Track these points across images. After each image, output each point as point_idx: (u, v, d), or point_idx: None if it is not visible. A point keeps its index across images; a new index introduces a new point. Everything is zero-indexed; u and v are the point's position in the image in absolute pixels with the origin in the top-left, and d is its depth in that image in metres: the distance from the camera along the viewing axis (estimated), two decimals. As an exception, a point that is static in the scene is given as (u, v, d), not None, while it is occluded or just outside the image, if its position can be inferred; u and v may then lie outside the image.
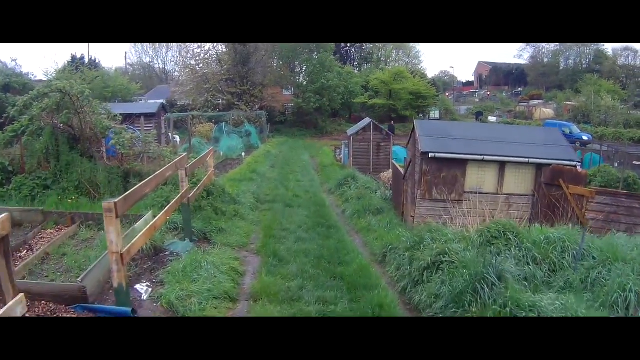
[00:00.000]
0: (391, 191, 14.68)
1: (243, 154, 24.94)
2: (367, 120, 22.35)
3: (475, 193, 9.80)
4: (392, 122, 37.39)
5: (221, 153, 24.76)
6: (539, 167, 9.88)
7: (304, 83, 43.54)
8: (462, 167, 9.69)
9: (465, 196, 9.78)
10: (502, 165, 9.79)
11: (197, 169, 11.73)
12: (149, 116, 24.75)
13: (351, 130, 22.66)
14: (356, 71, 53.63)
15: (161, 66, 72.09)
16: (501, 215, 8.85)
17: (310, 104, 40.51)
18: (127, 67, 67.45)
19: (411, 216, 10.03)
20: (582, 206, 9.76)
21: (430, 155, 9.48)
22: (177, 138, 28.91)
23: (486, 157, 9.56)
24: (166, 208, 7.58)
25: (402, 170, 12.91)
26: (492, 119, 51.99)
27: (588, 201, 9.73)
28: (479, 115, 55.61)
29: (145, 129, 24.01)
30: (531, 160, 9.71)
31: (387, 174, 18.59)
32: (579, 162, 10.05)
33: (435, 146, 9.63)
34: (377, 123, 21.95)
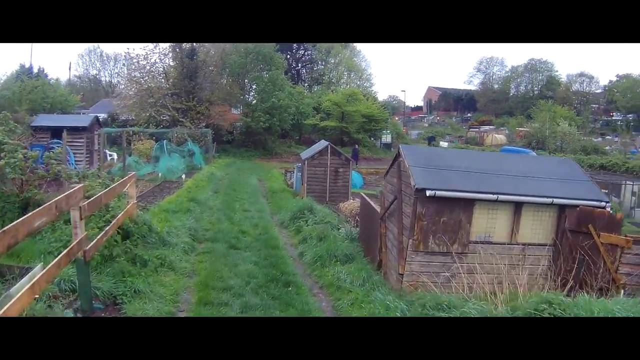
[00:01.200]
0: (357, 228, 12.15)
1: (183, 175, 22.18)
2: (323, 143, 19.75)
3: (483, 243, 7.37)
4: (357, 146, 35.92)
5: (159, 174, 22.06)
6: (562, 209, 7.60)
7: (254, 101, 40.99)
8: (468, 208, 7.17)
9: (470, 247, 7.31)
10: (517, 206, 7.38)
11: (112, 201, 8.85)
12: (79, 130, 21.80)
13: (305, 154, 19.94)
14: (306, 92, 51.63)
15: (108, 79, 69.39)
16: (525, 276, 6.46)
17: (259, 123, 38.01)
18: (73, 78, 64.23)
19: (399, 274, 7.38)
20: (614, 259, 7.59)
21: (428, 193, 6.91)
22: (115, 156, 26.31)
23: (501, 197, 7.12)
24: (36, 277, 4.63)
25: (375, 206, 10.43)
26: (443, 144, 51.59)
27: (622, 252, 7.59)
28: (431, 140, 55.11)
29: (74, 144, 21.14)
30: (555, 201, 7.39)
31: (349, 205, 16.08)
32: (607, 202, 7.86)
33: (434, 181, 7.04)
34: (334, 146, 19.37)
